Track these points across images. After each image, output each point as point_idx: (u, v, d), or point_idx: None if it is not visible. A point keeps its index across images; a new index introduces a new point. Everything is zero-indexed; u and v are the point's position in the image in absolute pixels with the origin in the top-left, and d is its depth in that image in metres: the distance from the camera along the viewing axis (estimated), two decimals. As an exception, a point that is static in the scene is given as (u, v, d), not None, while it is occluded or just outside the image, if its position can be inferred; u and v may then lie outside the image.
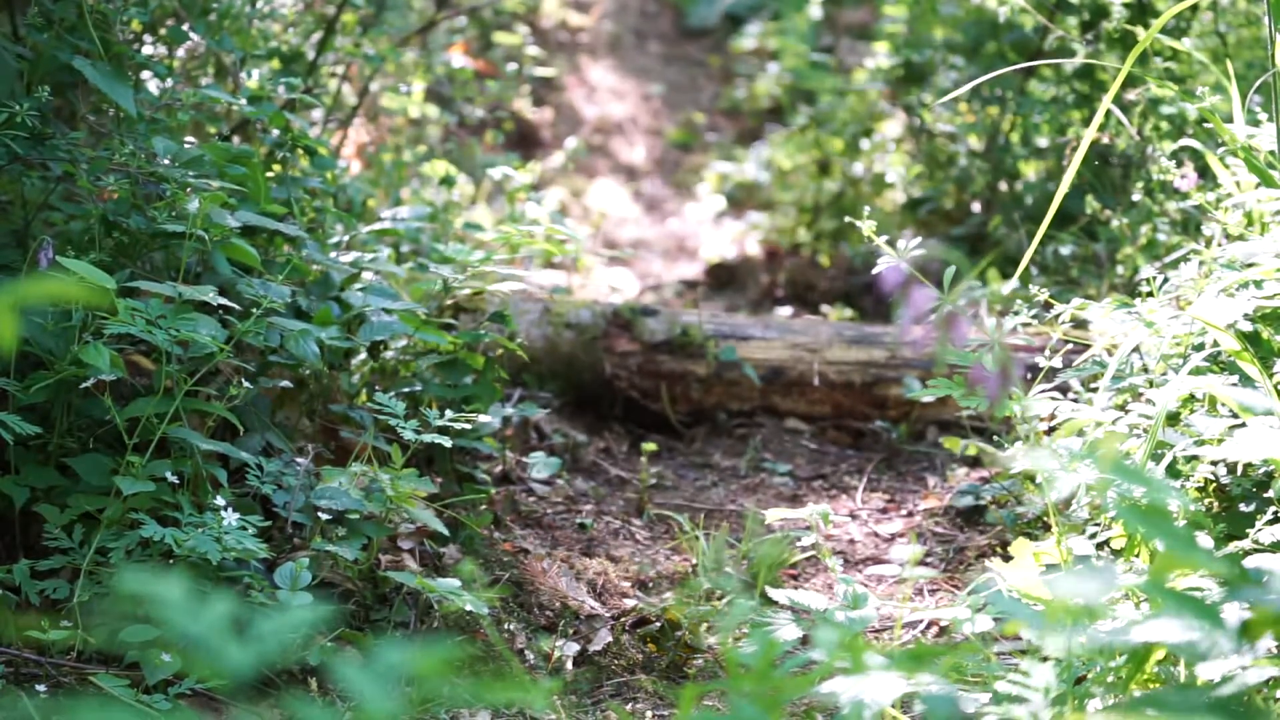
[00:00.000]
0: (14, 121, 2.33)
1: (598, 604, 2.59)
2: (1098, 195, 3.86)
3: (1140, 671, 1.67)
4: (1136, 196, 3.07)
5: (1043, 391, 2.67)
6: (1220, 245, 2.61)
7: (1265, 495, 2.12)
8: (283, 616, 1.11)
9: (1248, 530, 2.05)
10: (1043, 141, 4.56)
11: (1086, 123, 4.07)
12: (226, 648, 1.03)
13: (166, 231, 2.34)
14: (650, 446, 3.16)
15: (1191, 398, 2.35)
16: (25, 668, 1.97)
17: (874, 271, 1.79)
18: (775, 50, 6.92)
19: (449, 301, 3.16)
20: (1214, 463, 2.15)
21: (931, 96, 4.87)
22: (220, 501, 2.10)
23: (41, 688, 1.92)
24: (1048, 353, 2.81)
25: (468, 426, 2.61)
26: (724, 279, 5.39)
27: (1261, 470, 2.13)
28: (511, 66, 5.33)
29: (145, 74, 2.80)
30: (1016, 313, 2.78)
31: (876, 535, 3.00)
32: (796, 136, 5.80)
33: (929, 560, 2.82)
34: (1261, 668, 1.44)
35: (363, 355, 2.83)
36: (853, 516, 3.09)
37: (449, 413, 2.57)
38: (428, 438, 2.47)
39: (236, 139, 3.05)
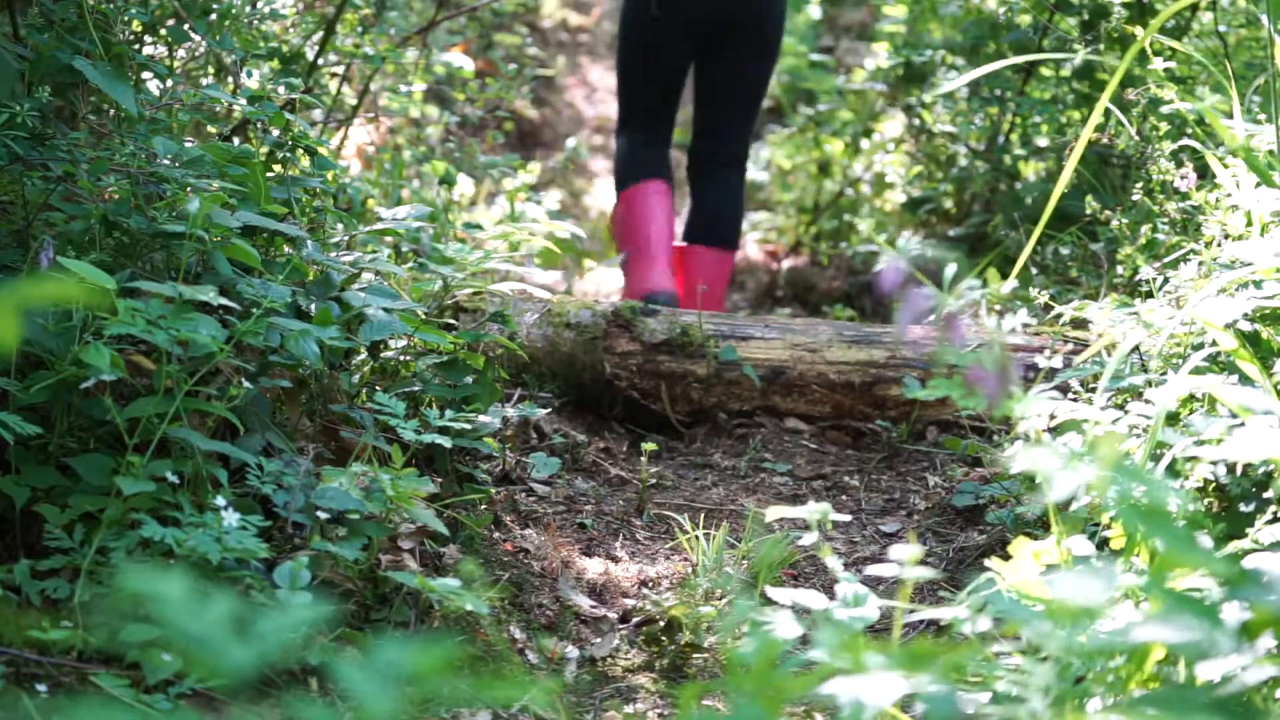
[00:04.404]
0: (15, 122, 2.33)
1: (598, 604, 2.59)
2: (1097, 195, 3.86)
3: (1140, 671, 1.67)
4: (1136, 196, 3.07)
5: (1042, 391, 2.68)
6: (1220, 245, 2.61)
7: (1265, 495, 2.12)
8: (283, 616, 1.11)
9: (1247, 530, 2.06)
10: (1042, 141, 4.57)
11: (1085, 122, 4.07)
12: (227, 647, 1.03)
13: (167, 232, 2.34)
14: (650, 446, 3.16)
15: (1191, 398, 2.35)
16: (26, 667, 1.97)
17: (874, 271, 1.79)
18: (775, 50, 6.91)
19: (449, 301, 3.17)
20: (1213, 462, 2.15)
21: (931, 97, 4.88)
22: (220, 501, 2.11)
23: (42, 688, 1.92)
24: (1047, 353, 2.81)
25: (468, 426, 2.62)
26: (724, 279, 5.39)
27: (1261, 470, 2.13)
28: (511, 66, 5.34)
29: (146, 74, 2.80)
30: (1015, 313, 2.78)
31: (876, 535, 3.00)
32: (796, 136, 5.80)
33: (929, 560, 2.82)
34: (1261, 667, 1.44)
35: (363, 355, 2.84)
36: (853, 516, 3.10)
37: (449, 413, 2.57)
38: (428, 438, 2.47)
39: (237, 139, 3.05)
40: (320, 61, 3.78)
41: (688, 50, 4.11)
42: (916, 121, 4.99)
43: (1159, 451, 2.13)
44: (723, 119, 4.19)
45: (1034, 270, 3.94)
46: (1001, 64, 2.83)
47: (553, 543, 2.72)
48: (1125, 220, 3.14)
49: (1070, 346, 3.12)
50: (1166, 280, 2.75)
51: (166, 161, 2.45)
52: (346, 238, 2.95)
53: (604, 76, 7.37)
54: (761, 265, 5.44)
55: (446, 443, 2.49)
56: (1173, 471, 2.15)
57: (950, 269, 1.69)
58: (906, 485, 3.27)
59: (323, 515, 2.28)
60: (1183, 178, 2.93)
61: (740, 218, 4.20)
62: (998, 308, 3.23)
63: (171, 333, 2.11)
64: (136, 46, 2.85)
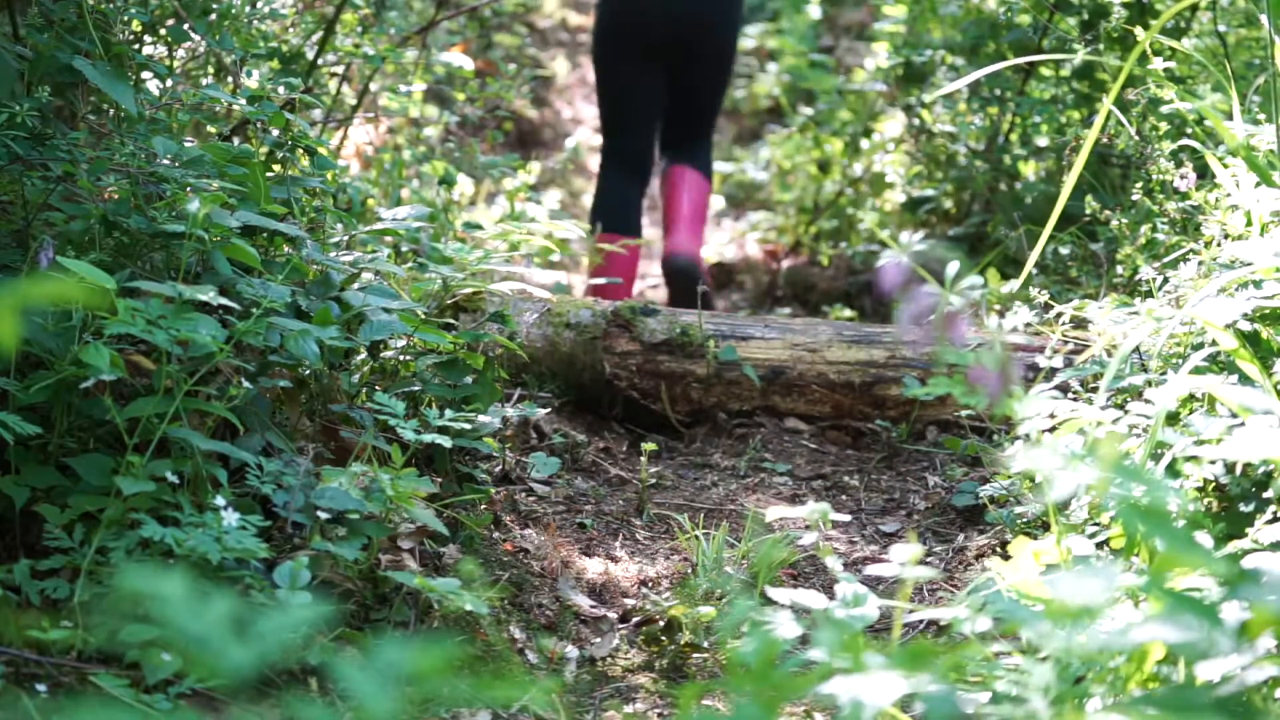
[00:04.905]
0: (14, 122, 2.33)
1: (598, 604, 2.59)
2: (1097, 195, 3.86)
3: (1139, 671, 1.67)
4: (1136, 196, 3.07)
5: (1042, 391, 2.68)
6: (1220, 245, 2.61)
7: (1265, 495, 2.12)
8: (283, 616, 1.11)
9: (1247, 530, 2.06)
10: (1042, 141, 4.57)
11: (1085, 122, 4.07)
12: (227, 647, 1.03)
13: (167, 232, 2.34)
14: (650, 446, 3.16)
15: (1191, 397, 2.35)
16: (26, 667, 1.97)
17: (874, 269, 1.80)
18: (774, 50, 6.93)
19: (449, 301, 3.17)
20: (1213, 462, 2.15)
21: (932, 98, 4.88)
22: (220, 501, 2.10)
23: (42, 687, 1.92)
24: (1048, 352, 2.81)
25: (467, 426, 2.61)
26: (724, 279, 5.40)
27: (1261, 470, 2.13)
28: (511, 66, 5.34)
29: (146, 74, 2.80)
30: (1015, 313, 2.78)
31: (876, 535, 3.00)
32: (796, 136, 5.80)
33: (929, 560, 2.82)
34: (1261, 667, 1.44)
35: (363, 355, 2.84)
36: (853, 516, 3.10)
37: (449, 412, 2.57)
38: (428, 438, 2.47)
39: (236, 139, 3.05)
40: (320, 61, 3.78)
41: (655, 63, 4.46)
42: (916, 121, 4.99)
43: (1159, 451, 2.13)
44: (688, 122, 4.59)
45: (1034, 270, 3.94)
46: (1001, 65, 2.83)
47: (553, 543, 2.72)
48: (1125, 220, 3.14)
49: (1070, 346, 3.12)
50: (1166, 280, 2.75)
51: (166, 161, 2.45)
52: (346, 238, 2.95)
53: (604, 76, 7.36)
54: (761, 265, 5.44)
55: (446, 443, 2.49)
56: (1173, 471, 2.15)
57: (951, 268, 1.69)
58: (906, 485, 3.27)
59: (323, 515, 2.28)
60: (1182, 177, 2.93)
61: (710, 171, 4.59)
62: (998, 307, 3.23)
63: (171, 333, 2.11)
64: (136, 46, 2.85)
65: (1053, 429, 2.37)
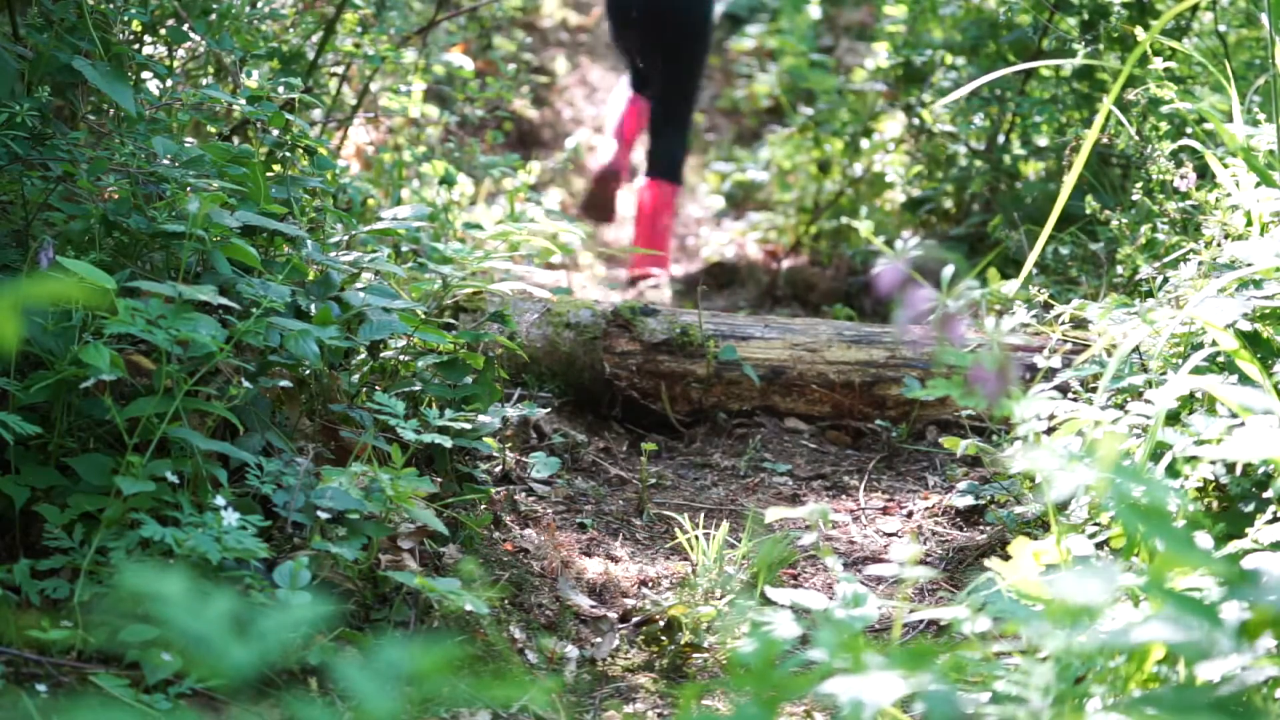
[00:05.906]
0: (14, 122, 2.33)
1: (598, 604, 2.59)
2: (1097, 195, 3.86)
3: (1139, 671, 1.67)
4: (1136, 196, 3.07)
5: (1042, 391, 2.68)
6: (1220, 245, 2.61)
7: (1265, 495, 2.12)
8: (283, 616, 1.11)
9: (1247, 530, 2.06)
10: (1042, 141, 4.57)
11: (1086, 122, 4.07)
12: (227, 647, 1.03)
13: (166, 231, 2.34)
14: (650, 446, 3.16)
15: (1191, 397, 2.35)
16: (25, 667, 1.97)
17: (874, 271, 1.80)
18: (775, 50, 6.93)
19: (449, 301, 3.16)
20: (1213, 462, 2.15)
21: (931, 96, 4.87)
22: (220, 501, 2.10)
23: (42, 687, 1.92)
24: (1047, 352, 2.81)
25: (467, 426, 2.61)
26: (724, 279, 5.40)
27: (1261, 470, 2.13)
28: (511, 67, 5.34)
29: (145, 74, 2.80)
30: (1014, 313, 2.78)
31: (876, 535, 3.00)
32: (796, 136, 5.80)
33: (929, 560, 2.82)
34: (1261, 667, 1.44)
35: (363, 355, 2.84)
36: (853, 516, 3.10)
37: (449, 412, 2.57)
38: (428, 437, 2.47)
39: (236, 139, 3.05)
40: (320, 61, 3.78)
41: (637, 37, 5.44)
42: (916, 121, 4.99)
43: (1159, 451, 2.13)
44: (665, 95, 5.42)
45: (1034, 270, 3.94)
46: (1006, 71, 2.83)
47: (553, 543, 2.72)
48: (1125, 220, 3.14)
49: (1070, 346, 3.12)
50: (1166, 280, 2.75)
51: (166, 161, 2.45)
52: (346, 238, 2.95)
53: (604, 77, 7.37)
54: (761, 265, 5.43)
55: (446, 442, 2.49)
56: (1173, 471, 2.15)
57: (949, 269, 1.69)
58: (906, 485, 3.27)
59: (323, 515, 2.28)
60: (1183, 178, 2.93)
61: (680, 161, 5.40)
62: (998, 307, 3.23)
63: (171, 332, 2.11)
64: (136, 46, 2.85)
65: (1052, 429, 2.37)
